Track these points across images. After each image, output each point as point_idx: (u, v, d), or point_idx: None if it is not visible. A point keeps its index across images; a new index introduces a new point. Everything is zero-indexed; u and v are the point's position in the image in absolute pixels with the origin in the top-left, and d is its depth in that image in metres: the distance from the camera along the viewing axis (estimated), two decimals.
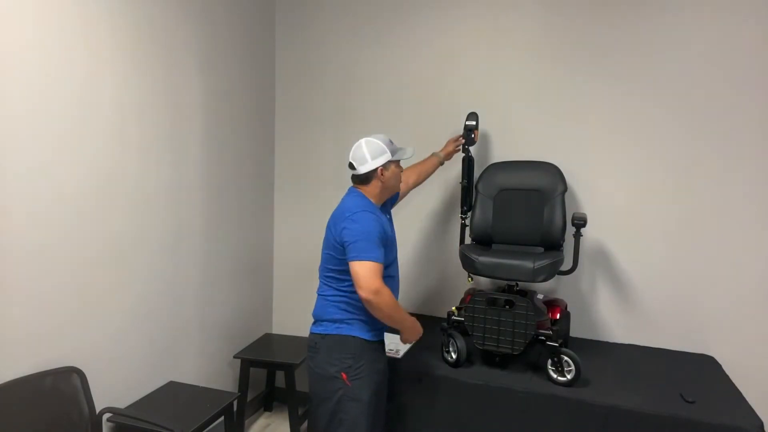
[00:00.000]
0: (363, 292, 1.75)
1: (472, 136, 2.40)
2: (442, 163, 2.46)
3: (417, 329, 1.97)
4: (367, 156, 1.90)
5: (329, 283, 1.93)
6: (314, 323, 1.96)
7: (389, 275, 1.93)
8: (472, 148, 2.46)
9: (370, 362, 1.87)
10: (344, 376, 1.83)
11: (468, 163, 2.46)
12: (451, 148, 2.47)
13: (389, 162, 1.93)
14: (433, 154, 2.44)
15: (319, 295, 1.97)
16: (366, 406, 1.83)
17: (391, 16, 2.80)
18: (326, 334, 1.88)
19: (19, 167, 1.71)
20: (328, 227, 1.93)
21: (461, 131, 2.45)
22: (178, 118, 2.38)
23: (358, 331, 1.87)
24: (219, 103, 2.64)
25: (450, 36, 2.69)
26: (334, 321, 1.89)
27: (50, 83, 1.79)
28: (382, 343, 1.99)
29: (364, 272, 1.75)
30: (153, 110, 2.23)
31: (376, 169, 1.90)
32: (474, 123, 2.39)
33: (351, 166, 1.94)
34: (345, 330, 1.87)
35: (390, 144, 1.95)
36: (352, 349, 1.85)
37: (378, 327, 1.92)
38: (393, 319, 1.85)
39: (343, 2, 2.89)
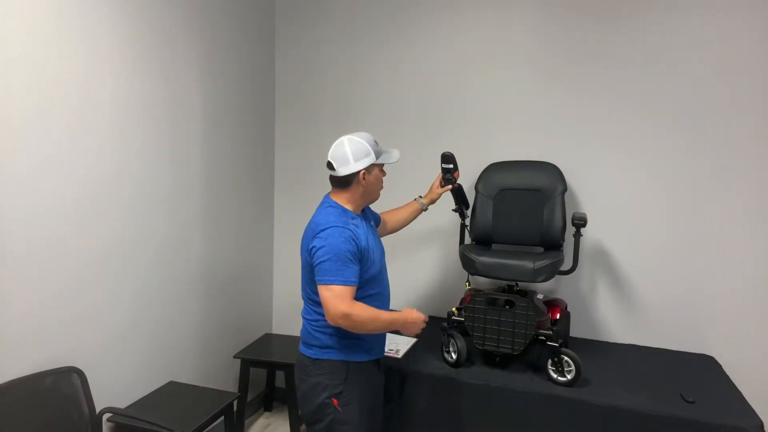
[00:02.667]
0: (330, 319, 1.63)
1: (451, 178, 2.17)
2: (425, 209, 2.23)
3: (412, 322, 1.79)
4: (350, 157, 1.72)
5: (313, 307, 1.78)
6: (304, 344, 1.82)
7: (374, 292, 1.79)
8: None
9: (362, 384, 1.77)
10: (335, 401, 1.72)
11: (456, 193, 2.25)
12: (435, 195, 2.22)
13: (373, 165, 1.76)
14: (415, 200, 2.23)
15: (304, 318, 1.83)
16: (356, 428, 1.75)
17: (391, 18, 2.80)
18: (317, 359, 1.76)
19: (19, 167, 1.71)
20: (301, 245, 1.78)
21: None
22: (178, 119, 2.38)
23: (350, 355, 1.76)
24: (219, 103, 2.64)
25: (450, 38, 2.69)
26: (323, 346, 1.76)
27: (50, 84, 1.79)
28: (377, 360, 1.90)
29: (329, 297, 1.61)
30: (153, 111, 2.23)
31: (359, 172, 1.74)
32: (451, 165, 2.14)
33: (330, 166, 1.76)
34: (335, 355, 1.75)
35: (375, 145, 1.78)
36: (343, 375, 1.74)
37: (374, 348, 1.84)
38: (376, 331, 1.73)
39: (343, 4, 2.89)
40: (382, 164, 1.84)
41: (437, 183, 2.23)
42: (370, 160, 1.75)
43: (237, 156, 2.81)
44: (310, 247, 1.69)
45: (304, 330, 1.83)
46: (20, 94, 1.70)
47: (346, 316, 1.60)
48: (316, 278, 1.66)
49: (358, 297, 1.70)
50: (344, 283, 1.63)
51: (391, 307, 1.94)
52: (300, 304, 1.86)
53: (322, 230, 1.68)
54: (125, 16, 2.06)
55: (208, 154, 2.59)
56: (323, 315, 1.69)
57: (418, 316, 1.80)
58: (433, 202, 2.24)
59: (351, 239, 1.67)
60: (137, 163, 2.17)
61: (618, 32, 2.40)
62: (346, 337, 1.75)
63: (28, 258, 1.76)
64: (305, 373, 1.79)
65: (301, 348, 1.83)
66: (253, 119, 2.93)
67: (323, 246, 1.65)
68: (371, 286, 1.77)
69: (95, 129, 1.97)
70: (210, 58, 2.55)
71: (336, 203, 1.79)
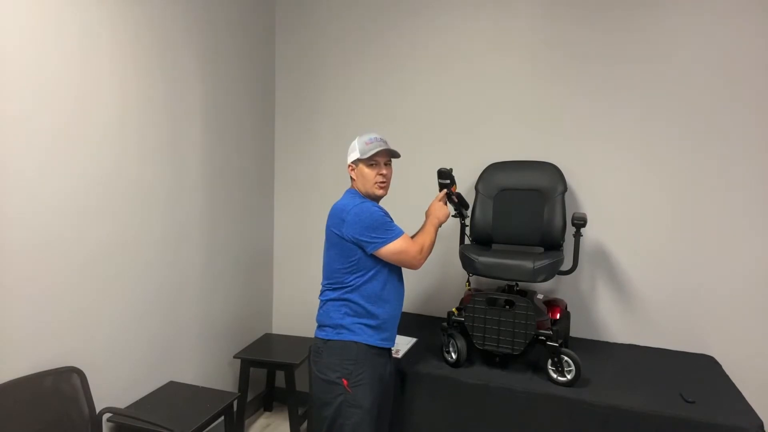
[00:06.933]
0: (416, 266, 1.87)
1: (450, 193, 2.09)
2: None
3: (438, 209, 2.03)
4: (348, 153, 1.97)
5: (331, 287, 1.90)
6: (318, 327, 1.93)
7: (395, 283, 1.93)
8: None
9: (372, 368, 1.84)
10: (345, 382, 1.80)
11: (457, 201, 2.15)
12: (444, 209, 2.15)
13: (357, 161, 1.91)
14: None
15: (321, 300, 1.94)
16: (367, 413, 1.80)
17: (392, 16, 2.80)
18: (329, 340, 1.86)
19: (18, 166, 1.71)
20: (327, 225, 1.91)
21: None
22: (178, 118, 2.38)
23: (361, 337, 1.84)
24: (219, 103, 2.64)
25: (451, 38, 2.69)
26: (336, 326, 1.86)
27: (49, 82, 1.79)
28: (387, 349, 1.95)
29: (394, 252, 1.81)
30: (153, 110, 2.23)
31: (348, 166, 1.96)
32: (448, 181, 2.05)
33: None
34: (347, 335, 1.84)
35: (370, 142, 1.88)
36: (353, 355, 1.82)
37: (384, 334, 1.89)
38: (434, 240, 1.95)
39: (342, 6, 2.90)
40: (370, 160, 1.89)
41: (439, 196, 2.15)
42: (354, 155, 1.92)
43: (237, 156, 2.81)
44: (342, 230, 1.83)
45: (319, 313, 1.94)
46: (18, 93, 1.70)
47: (420, 252, 1.86)
48: (371, 247, 1.81)
49: (380, 281, 1.87)
50: (398, 235, 1.83)
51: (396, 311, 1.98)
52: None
53: (350, 210, 1.83)
54: (125, 17, 2.06)
55: (208, 155, 2.59)
56: (341, 295, 1.86)
57: (433, 203, 2.05)
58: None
59: (378, 206, 1.87)
60: (137, 163, 2.17)
61: (618, 31, 2.40)
62: (359, 320, 1.84)
63: (27, 258, 1.76)
64: (317, 354, 1.89)
65: (315, 333, 1.94)
66: (252, 121, 2.93)
67: (358, 222, 1.80)
68: (393, 279, 1.92)
69: (94, 127, 1.97)
70: (210, 55, 2.55)
71: (355, 191, 1.97)
